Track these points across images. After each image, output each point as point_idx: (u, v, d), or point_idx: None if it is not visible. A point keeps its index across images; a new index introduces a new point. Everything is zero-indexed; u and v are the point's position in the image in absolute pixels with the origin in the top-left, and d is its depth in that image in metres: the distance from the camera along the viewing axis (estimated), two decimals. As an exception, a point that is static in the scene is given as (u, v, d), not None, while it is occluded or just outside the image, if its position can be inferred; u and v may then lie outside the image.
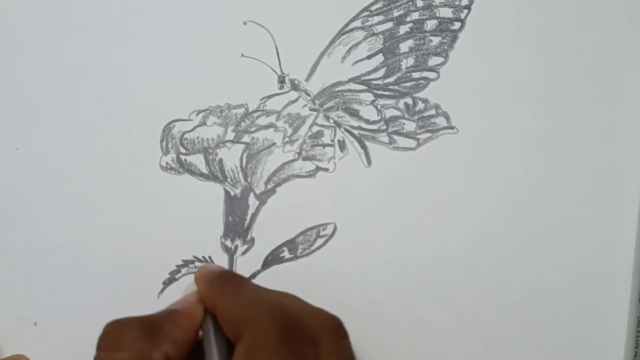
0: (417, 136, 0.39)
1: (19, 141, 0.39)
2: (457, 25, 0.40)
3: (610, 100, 0.39)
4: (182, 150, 0.39)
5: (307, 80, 0.39)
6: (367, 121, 0.39)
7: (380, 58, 0.40)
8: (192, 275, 0.37)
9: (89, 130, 0.39)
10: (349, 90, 0.39)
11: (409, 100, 0.39)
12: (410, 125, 0.39)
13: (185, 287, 0.34)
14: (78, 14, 0.39)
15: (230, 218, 0.38)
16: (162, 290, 0.38)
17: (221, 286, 0.29)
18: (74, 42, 0.39)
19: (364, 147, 0.39)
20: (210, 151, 0.39)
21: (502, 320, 0.37)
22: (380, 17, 0.40)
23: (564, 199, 0.39)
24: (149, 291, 0.38)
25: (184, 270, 0.38)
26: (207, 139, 0.39)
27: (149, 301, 0.38)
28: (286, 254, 0.38)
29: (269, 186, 0.39)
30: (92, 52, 0.39)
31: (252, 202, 0.39)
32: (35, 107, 0.39)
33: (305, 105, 0.39)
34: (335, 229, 0.38)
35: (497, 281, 0.38)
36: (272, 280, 0.38)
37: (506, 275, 0.38)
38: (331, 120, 0.39)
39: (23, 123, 0.39)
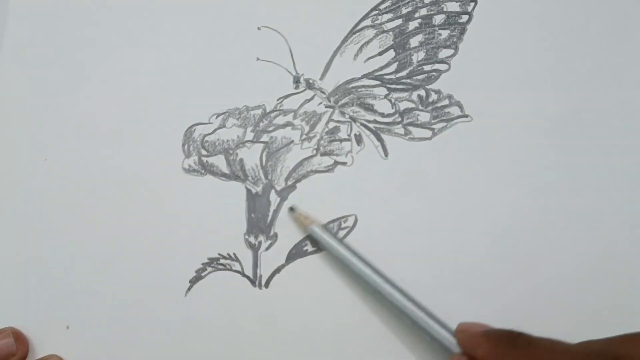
0: (432, 126, 0.40)
1: (47, 152, 0.40)
2: (464, 18, 0.41)
3: (624, 83, 0.40)
4: (204, 152, 0.40)
5: (321, 78, 0.41)
6: (382, 114, 0.40)
7: (391, 54, 0.41)
8: (219, 273, 0.38)
9: (115, 138, 0.40)
10: (363, 86, 0.40)
11: (422, 92, 0.40)
12: (424, 116, 0.40)
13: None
14: (100, 26, 0.41)
15: (252, 215, 0.39)
16: (189, 289, 0.38)
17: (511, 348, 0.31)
18: (97, 56, 0.41)
19: (380, 139, 0.40)
20: (231, 152, 0.40)
21: (528, 306, 0.37)
22: (390, 15, 0.41)
23: (583, 183, 0.39)
24: (177, 290, 0.38)
25: (209, 268, 0.38)
26: (227, 140, 0.40)
27: (176, 299, 0.38)
28: (309, 247, 0.39)
29: (289, 182, 0.39)
30: (115, 65, 0.41)
31: (274, 198, 0.39)
32: (61, 119, 0.40)
33: (321, 102, 0.40)
34: (356, 221, 0.39)
35: (521, 266, 0.38)
36: (297, 273, 0.38)
37: (529, 260, 0.38)
38: (347, 116, 0.40)
39: (50, 135, 0.40)
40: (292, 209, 0.38)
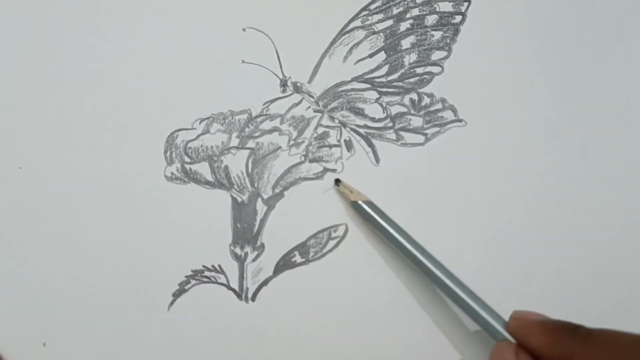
0: (424, 131, 0.38)
1: (22, 160, 0.38)
2: (458, 18, 0.39)
3: (619, 83, 0.39)
4: (187, 159, 0.38)
5: (309, 82, 0.39)
6: (373, 119, 0.39)
7: (382, 56, 0.39)
8: (203, 286, 0.36)
9: (92, 144, 0.38)
10: (353, 90, 0.39)
11: (414, 96, 0.39)
12: (417, 121, 0.38)
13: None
14: (77, 29, 0.39)
15: (238, 225, 0.37)
16: (172, 303, 0.37)
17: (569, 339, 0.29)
18: (74, 57, 0.39)
19: (371, 145, 0.38)
20: (215, 159, 0.38)
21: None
22: (380, 16, 0.39)
23: (579, 187, 0.38)
24: (159, 304, 0.37)
25: (193, 281, 0.37)
26: (212, 147, 0.38)
27: (159, 314, 0.37)
28: (298, 258, 0.37)
29: (277, 190, 0.38)
30: (92, 65, 0.39)
31: (260, 207, 0.38)
32: (37, 124, 0.39)
33: (309, 107, 0.39)
34: (346, 230, 0.37)
35: (517, 274, 0.37)
36: (285, 285, 0.37)
37: (526, 267, 0.37)
38: (336, 121, 0.39)
39: (25, 141, 0.38)
40: (337, 182, 0.37)
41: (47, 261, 0.37)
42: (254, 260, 0.37)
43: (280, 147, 0.38)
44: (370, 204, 0.36)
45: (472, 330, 0.35)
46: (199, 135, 0.38)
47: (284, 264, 0.37)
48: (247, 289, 0.37)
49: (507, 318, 0.33)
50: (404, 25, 0.39)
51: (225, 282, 0.37)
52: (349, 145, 0.38)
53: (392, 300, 0.36)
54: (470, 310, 0.33)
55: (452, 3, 0.39)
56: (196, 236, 0.37)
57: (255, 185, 0.38)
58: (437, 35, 0.39)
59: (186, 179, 0.38)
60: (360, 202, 0.36)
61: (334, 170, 0.38)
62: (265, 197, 0.38)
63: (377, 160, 0.38)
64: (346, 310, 0.36)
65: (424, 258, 0.34)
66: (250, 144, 0.38)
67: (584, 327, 0.29)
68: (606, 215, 0.38)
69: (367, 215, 0.36)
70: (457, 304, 0.34)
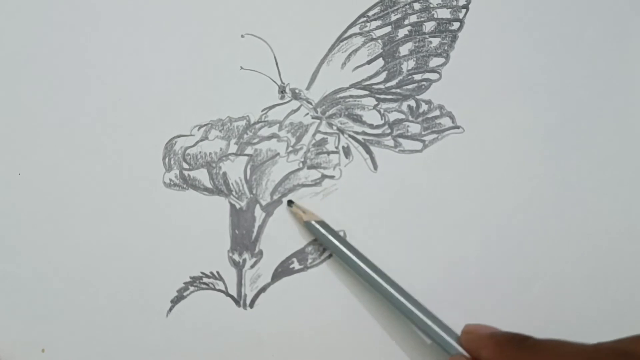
0: (422, 138, 0.38)
1: (21, 166, 0.38)
2: (456, 25, 0.39)
3: (620, 90, 0.39)
4: (185, 165, 0.38)
5: (307, 88, 0.39)
6: (371, 126, 0.39)
7: (380, 62, 0.39)
8: (201, 292, 0.37)
9: (91, 150, 0.38)
10: (351, 96, 0.39)
11: (412, 103, 0.39)
12: (415, 128, 0.39)
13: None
14: (76, 35, 0.39)
15: (236, 231, 0.37)
16: (170, 309, 0.37)
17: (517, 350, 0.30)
18: (72, 63, 0.39)
19: (369, 152, 0.38)
20: (214, 165, 0.38)
21: (523, 320, 0.36)
22: (378, 22, 0.40)
23: (577, 193, 0.38)
24: (158, 310, 0.37)
25: (191, 288, 0.37)
26: (210, 153, 0.38)
27: (157, 321, 0.37)
28: (296, 265, 0.37)
29: (275, 197, 0.38)
30: (91, 71, 0.39)
31: (259, 214, 0.38)
32: (36, 130, 0.39)
33: (307, 113, 0.39)
34: (344, 236, 0.37)
35: (515, 280, 0.37)
36: (283, 292, 0.37)
37: (523, 273, 0.37)
38: (334, 127, 0.39)
39: (24, 147, 0.39)
40: (290, 203, 0.37)
41: (46, 268, 0.37)
42: (252, 266, 0.37)
43: (278, 154, 0.38)
44: (323, 223, 0.36)
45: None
46: (197, 142, 0.38)
47: (282, 270, 0.37)
48: (246, 295, 0.37)
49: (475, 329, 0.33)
50: (402, 32, 0.39)
51: (223, 288, 0.37)
52: (347, 152, 0.38)
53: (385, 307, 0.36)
54: (423, 325, 0.34)
55: (450, 10, 0.39)
56: (194, 243, 0.37)
57: (254, 192, 0.38)
58: (435, 42, 0.39)
59: (184, 186, 0.38)
60: (313, 222, 0.36)
61: (332, 177, 0.38)
62: (264, 203, 0.38)
63: (375, 166, 0.38)
64: (345, 316, 0.36)
65: (376, 276, 0.35)
66: (249, 150, 0.38)
67: (532, 338, 0.30)
68: (605, 221, 0.38)
69: (320, 235, 0.36)
70: (410, 320, 0.34)
